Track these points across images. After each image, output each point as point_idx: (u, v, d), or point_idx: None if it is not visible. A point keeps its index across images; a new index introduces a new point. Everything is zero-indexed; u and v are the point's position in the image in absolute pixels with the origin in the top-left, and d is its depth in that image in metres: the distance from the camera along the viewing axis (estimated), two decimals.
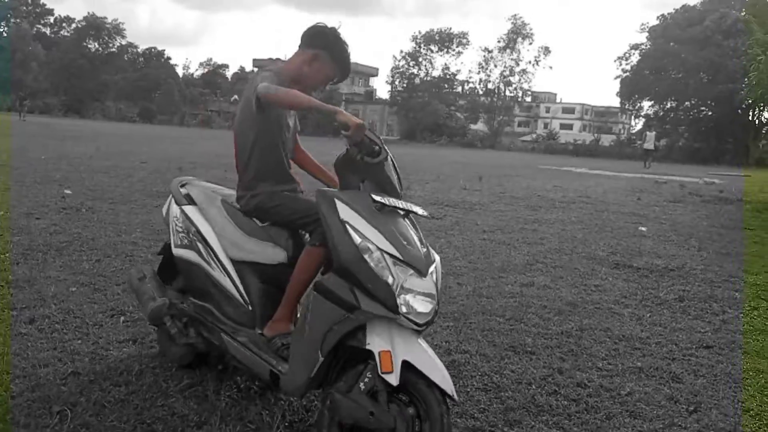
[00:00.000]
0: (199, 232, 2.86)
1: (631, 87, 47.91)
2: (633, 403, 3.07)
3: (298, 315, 2.62)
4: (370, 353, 2.25)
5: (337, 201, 2.36)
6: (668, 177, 20.11)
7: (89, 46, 69.30)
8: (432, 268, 2.39)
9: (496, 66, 55.25)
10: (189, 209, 2.94)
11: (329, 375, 2.39)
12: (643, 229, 8.52)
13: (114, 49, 71.36)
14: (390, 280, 2.22)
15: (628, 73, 48.43)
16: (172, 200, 3.07)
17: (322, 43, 2.78)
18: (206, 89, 78.43)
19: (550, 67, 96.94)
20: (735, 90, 38.38)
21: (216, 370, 3.12)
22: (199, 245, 2.85)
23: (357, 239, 2.26)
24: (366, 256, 2.23)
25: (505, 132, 57.58)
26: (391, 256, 2.26)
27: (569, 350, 3.74)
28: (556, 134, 56.63)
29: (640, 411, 2.99)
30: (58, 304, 3.96)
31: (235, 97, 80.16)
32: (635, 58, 48.60)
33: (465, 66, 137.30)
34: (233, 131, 2.89)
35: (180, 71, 77.52)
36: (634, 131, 55.53)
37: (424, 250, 2.40)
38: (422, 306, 2.27)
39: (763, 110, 39.85)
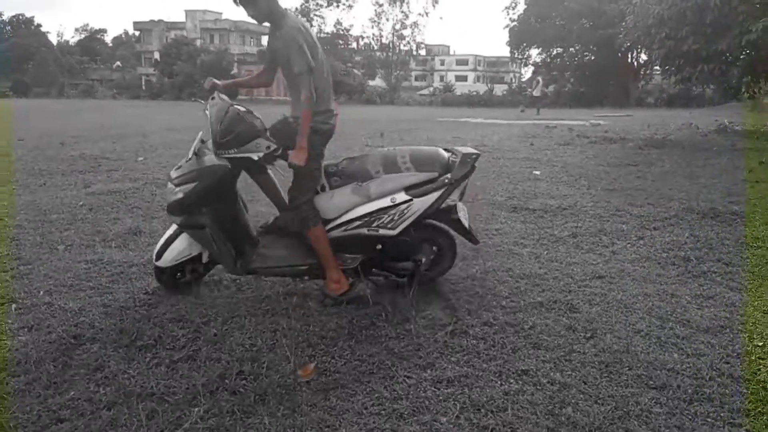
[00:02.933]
0: None
1: (519, 36, 49.12)
2: (536, 336, 3.26)
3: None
4: None
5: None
6: (557, 121, 21.02)
7: None
8: None
9: (388, 20, 54.98)
10: None
11: None
12: (537, 172, 8.90)
13: None
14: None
15: (515, 23, 49.59)
16: None
17: None
18: (84, 57, 73.31)
19: (441, 18, 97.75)
20: (614, 34, 40.31)
21: (122, 351, 3.02)
22: None
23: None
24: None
25: (402, 87, 57.76)
26: None
27: (475, 293, 3.89)
28: (452, 86, 57.47)
29: (543, 342, 3.18)
30: None
31: (118, 63, 75.54)
32: (521, 7, 49.79)
33: (357, 20, 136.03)
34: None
35: (54, 39, 71.93)
36: (524, 80, 57.33)
37: None
38: None
39: (640, 53, 42.22)
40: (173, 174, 3.59)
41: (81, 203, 6.51)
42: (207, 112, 3.50)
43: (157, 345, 3.08)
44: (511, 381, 2.77)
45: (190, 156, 3.51)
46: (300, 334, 3.23)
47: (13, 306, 3.58)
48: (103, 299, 3.73)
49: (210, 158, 3.44)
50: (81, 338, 3.17)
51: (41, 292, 3.82)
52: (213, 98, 3.58)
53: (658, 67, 21.55)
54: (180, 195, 3.46)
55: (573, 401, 2.60)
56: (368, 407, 2.55)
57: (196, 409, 2.50)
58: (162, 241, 3.75)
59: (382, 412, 2.52)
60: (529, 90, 37.53)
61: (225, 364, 2.87)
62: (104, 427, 2.38)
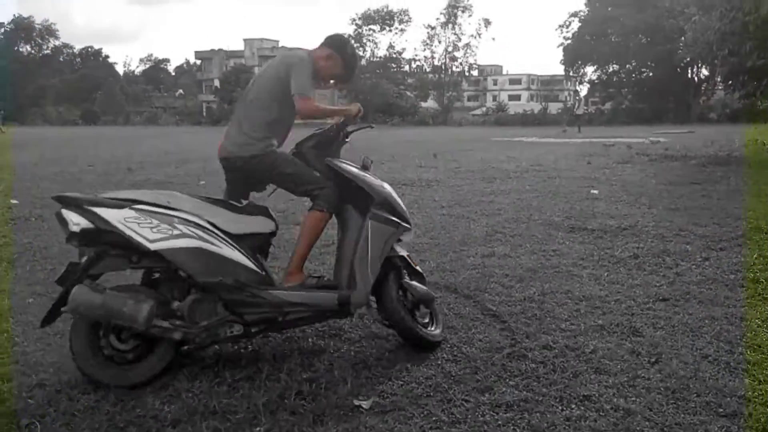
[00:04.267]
0: (186, 219, 2.94)
1: (574, 54, 48.62)
2: (597, 360, 3.18)
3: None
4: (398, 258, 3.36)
5: (344, 163, 3.34)
6: (615, 139, 20.59)
7: (21, 49, 66.61)
8: None
9: (440, 42, 55.36)
10: (154, 205, 2.97)
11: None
12: (595, 191, 8.73)
13: (48, 51, 68.79)
14: (403, 206, 3.42)
15: (569, 41, 49.11)
16: (102, 209, 2.87)
17: (337, 46, 3.46)
18: (149, 85, 76.50)
19: (493, 39, 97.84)
20: (673, 50, 39.36)
21: (186, 371, 3.10)
22: (196, 230, 2.94)
23: (379, 181, 3.36)
24: (390, 192, 3.36)
25: (455, 107, 57.90)
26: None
27: (533, 315, 3.83)
28: (505, 106, 57.20)
29: (605, 367, 3.10)
30: (15, 317, 3.85)
31: (180, 91, 78.52)
32: (576, 24, 49.32)
33: (410, 44, 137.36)
34: (252, 93, 3.45)
35: (120, 69, 75.49)
36: (579, 97, 56.48)
37: None
38: None
39: (701, 68, 41.06)
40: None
41: None
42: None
43: (219, 365, 3.16)
44: (573, 406, 2.70)
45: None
46: (356, 356, 3.25)
47: None
48: None
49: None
50: None
51: None
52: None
53: (720, 82, 20.89)
54: None
55: (638, 429, 2.52)
56: (426, 430, 2.54)
57: (257, 428, 2.54)
58: None
59: None
60: (570, 106, 36.62)
61: (284, 384, 2.91)
62: None
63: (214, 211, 3.10)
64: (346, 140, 3.44)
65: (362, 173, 3.33)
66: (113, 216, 2.83)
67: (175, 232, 2.87)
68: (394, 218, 3.29)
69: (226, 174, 3.51)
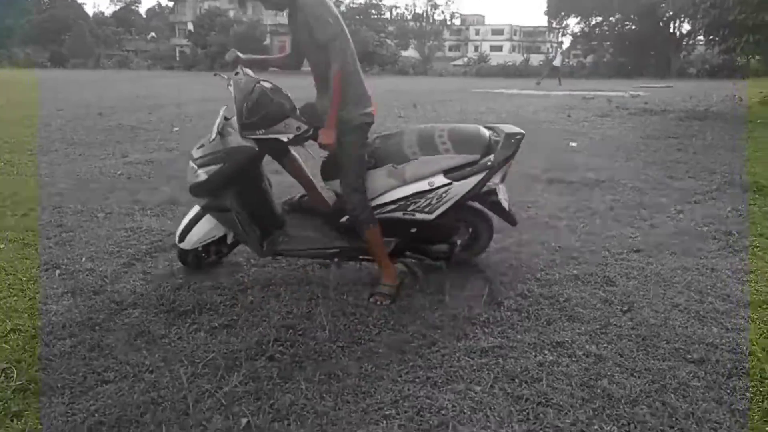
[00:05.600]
0: None
1: (558, 4, 47.97)
2: (571, 308, 3.23)
3: None
4: None
5: None
6: (595, 92, 20.56)
7: None
8: None
9: None
10: None
11: None
12: (574, 144, 8.75)
13: None
14: None
15: None
16: None
17: None
18: (119, 28, 74.00)
19: None
20: (657, 3, 39.03)
21: (163, 316, 3.09)
22: None
23: None
24: None
25: (436, 57, 57.06)
26: None
27: (509, 265, 3.87)
28: (487, 57, 56.50)
29: (578, 314, 3.16)
30: None
31: (152, 34, 76.11)
32: None
33: None
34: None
35: (90, 10, 72.67)
36: (561, 49, 56.03)
37: None
38: None
39: (683, 22, 40.87)
40: (195, 154, 3.39)
41: (119, 172, 6.64)
42: (230, 88, 3.26)
43: (196, 311, 3.15)
44: (546, 352, 2.76)
45: (213, 136, 3.26)
46: (335, 303, 3.26)
47: (57, 272, 3.69)
48: (142, 266, 3.81)
49: (235, 138, 3.23)
50: (122, 304, 3.25)
51: (83, 259, 3.92)
52: (237, 73, 3.34)
53: (701, 37, 20.85)
54: (204, 177, 3.27)
55: (609, 374, 2.58)
56: (403, 375, 2.57)
57: (236, 373, 2.56)
58: (184, 222, 3.62)
59: (417, 380, 2.54)
60: (550, 58, 36.07)
61: (262, 331, 2.92)
62: (147, 389, 2.45)
63: None
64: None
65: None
66: None
67: None
68: None
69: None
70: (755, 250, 4.15)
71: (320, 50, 3.12)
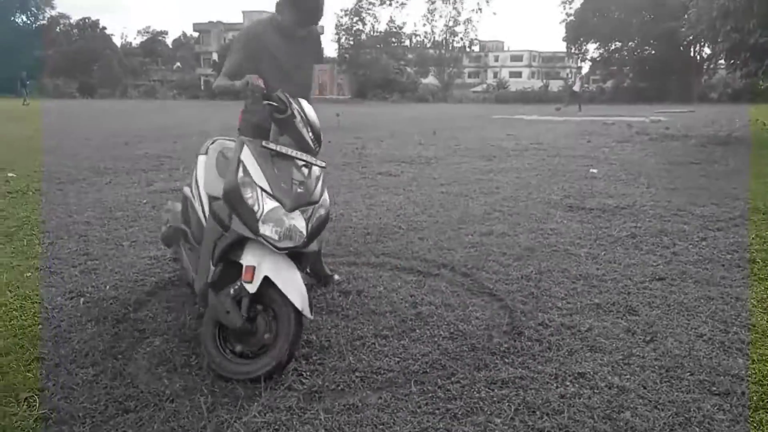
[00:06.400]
0: (195, 175, 3.43)
1: (576, 30, 48.15)
2: (593, 338, 3.20)
3: None
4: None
5: (244, 144, 2.91)
6: (615, 118, 20.49)
7: (17, 20, 65.75)
8: (309, 208, 2.89)
9: (441, 16, 54.65)
10: (199, 158, 3.54)
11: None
12: (594, 171, 8.72)
13: (44, 21, 67.83)
14: (255, 208, 2.74)
15: (572, 17, 48.61)
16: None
17: None
18: (146, 58, 75.73)
19: (494, 14, 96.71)
20: (676, 27, 38.90)
21: (185, 345, 3.12)
22: (193, 184, 3.44)
23: (240, 174, 2.80)
24: (242, 189, 2.76)
25: (455, 84, 57.45)
26: (263, 190, 2.78)
27: (530, 293, 3.85)
28: (506, 83, 56.81)
29: (600, 345, 3.12)
30: (13, 290, 3.86)
31: (178, 64, 77.79)
32: (579, 0, 48.74)
33: (411, 18, 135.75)
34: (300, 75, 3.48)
35: (118, 41, 74.56)
36: (581, 75, 56.06)
37: (301, 190, 2.88)
38: (277, 234, 2.74)
39: (704, 46, 40.67)
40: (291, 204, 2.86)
41: (144, 201, 6.75)
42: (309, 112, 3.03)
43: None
44: (568, 384, 2.73)
45: (299, 177, 2.94)
46: (354, 332, 3.26)
47: (81, 300, 3.75)
48: (166, 294, 3.86)
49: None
50: (145, 332, 3.29)
51: (107, 287, 3.99)
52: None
53: (722, 62, 20.72)
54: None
55: (632, 406, 2.54)
56: (422, 406, 2.56)
57: (255, 403, 2.57)
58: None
59: (436, 411, 2.52)
60: (569, 84, 36.15)
61: (281, 360, 2.93)
62: (167, 419, 2.47)
63: (212, 171, 3.41)
64: (277, 116, 2.99)
65: (250, 156, 3.00)
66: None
67: (189, 181, 3.73)
68: (225, 219, 2.95)
69: None
70: None
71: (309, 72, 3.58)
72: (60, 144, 12.50)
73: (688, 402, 2.57)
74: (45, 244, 4.95)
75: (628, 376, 2.80)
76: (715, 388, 2.67)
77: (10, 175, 8.25)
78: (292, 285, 2.74)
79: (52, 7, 67.61)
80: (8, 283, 3.98)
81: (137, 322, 3.42)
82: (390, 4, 55.74)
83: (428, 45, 56.41)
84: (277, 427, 2.41)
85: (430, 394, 2.65)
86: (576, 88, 31.07)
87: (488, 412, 2.51)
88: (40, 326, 3.35)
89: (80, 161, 9.98)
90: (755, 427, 2.39)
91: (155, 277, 4.19)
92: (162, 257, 4.61)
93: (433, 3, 54.52)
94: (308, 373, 2.82)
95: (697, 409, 2.51)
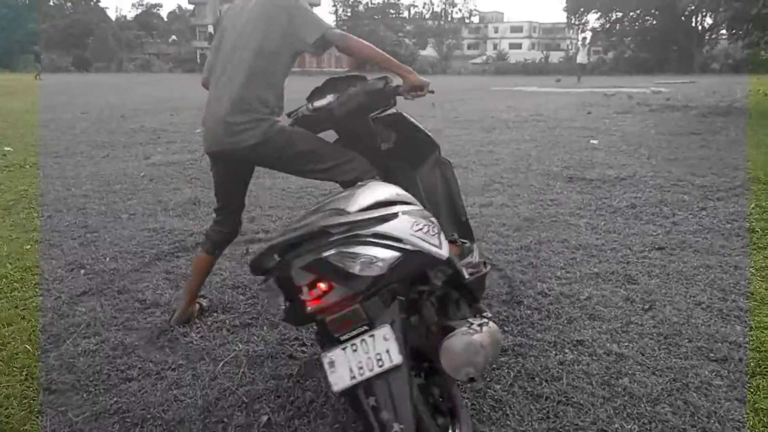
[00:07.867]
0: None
1: (577, 0, 47.58)
2: (592, 307, 3.21)
3: None
4: None
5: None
6: (616, 89, 20.35)
7: None
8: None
9: None
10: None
11: None
12: (595, 141, 8.67)
13: None
14: None
15: None
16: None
17: None
18: (141, 31, 74.89)
19: None
20: None
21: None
22: None
23: None
24: None
25: (454, 56, 56.97)
26: None
27: (529, 263, 3.86)
28: (506, 54, 56.28)
29: (599, 313, 3.14)
30: (13, 263, 3.86)
31: (173, 37, 76.92)
32: None
33: None
34: (246, 50, 2.62)
35: (112, 14, 73.67)
36: (586, 44, 55.61)
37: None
38: None
39: (705, 16, 40.25)
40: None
41: (142, 174, 6.73)
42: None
43: (218, 310, 3.19)
44: (567, 351, 2.75)
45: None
46: None
47: (82, 271, 3.76)
48: (165, 266, 3.87)
49: None
50: (145, 302, 3.30)
51: (107, 259, 3.99)
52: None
53: (724, 31, 20.52)
54: None
55: (630, 372, 2.56)
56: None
57: (257, 371, 2.58)
58: None
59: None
60: (572, 55, 35.76)
61: (282, 330, 2.95)
62: (169, 387, 2.49)
63: None
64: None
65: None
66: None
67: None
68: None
69: (215, 167, 2.83)
70: None
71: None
72: (55, 117, 12.41)
73: (686, 368, 2.59)
74: (44, 217, 4.94)
75: (626, 343, 2.81)
76: (712, 355, 2.69)
77: (6, 149, 8.20)
78: None
79: None
80: (8, 255, 3.98)
81: (138, 293, 3.43)
82: None
83: (427, 16, 55.79)
84: (279, 394, 2.43)
85: None
86: (580, 58, 30.78)
87: (488, 379, 2.52)
88: (41, 297, 3.36)
89: (77, 135, 9.92)
90: (752, 392, 2.42)
91: (154, 249, 4.19)
92: (161, 229, 4.61)
93: None
94: (310, 342, 2.84)
95: (694, 375, 2.53)
